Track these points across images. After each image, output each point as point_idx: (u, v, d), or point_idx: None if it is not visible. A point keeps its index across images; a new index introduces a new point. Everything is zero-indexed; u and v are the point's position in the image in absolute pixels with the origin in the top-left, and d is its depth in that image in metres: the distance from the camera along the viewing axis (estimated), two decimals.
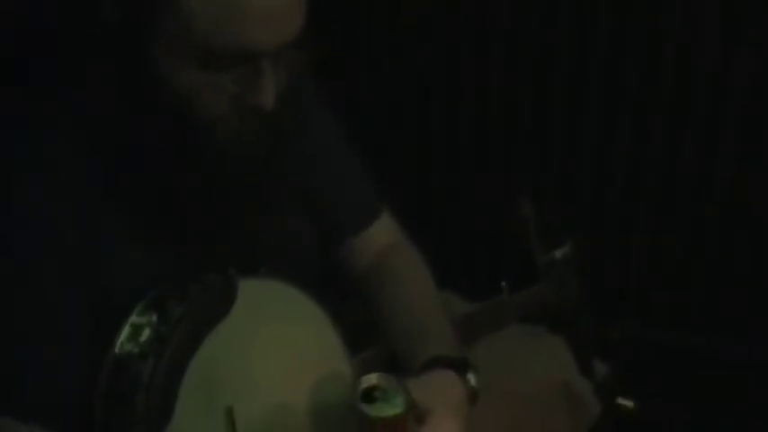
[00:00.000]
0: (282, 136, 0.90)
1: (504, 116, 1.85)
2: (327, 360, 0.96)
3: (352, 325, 0.96)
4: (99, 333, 0.86)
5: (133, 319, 0.88)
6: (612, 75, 1.76)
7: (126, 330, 0.87)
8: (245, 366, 0.89)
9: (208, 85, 0.83)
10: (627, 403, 1.01)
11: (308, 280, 0.97)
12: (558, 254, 0.89)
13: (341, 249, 1.12)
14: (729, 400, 1.70)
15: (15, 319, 0.86)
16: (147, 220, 0.89)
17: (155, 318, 0.89)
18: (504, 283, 0.96)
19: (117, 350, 0.85)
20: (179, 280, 0.91)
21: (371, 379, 0.86)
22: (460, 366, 0.93)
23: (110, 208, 0.87)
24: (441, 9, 1.82)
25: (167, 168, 0.88)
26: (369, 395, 0.85)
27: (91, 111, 0.89)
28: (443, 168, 1.90)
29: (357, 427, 0.85)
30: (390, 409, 0.84)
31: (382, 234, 1.12)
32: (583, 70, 1.77)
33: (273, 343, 0.91)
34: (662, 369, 1.77)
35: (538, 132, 1.84)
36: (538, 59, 1.80)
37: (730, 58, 1.68)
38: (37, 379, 0.85)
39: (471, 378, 0.93)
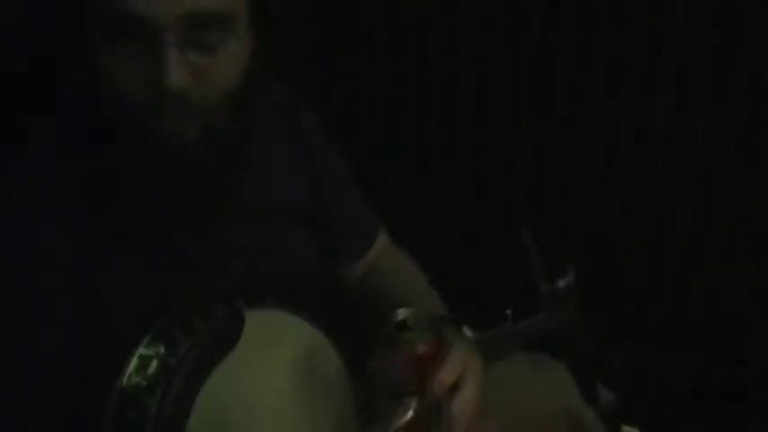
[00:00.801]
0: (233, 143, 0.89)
1: (504, 145, 1.86)
2: (333, 386, 0.96)
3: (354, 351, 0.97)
4: (96, 353, 0.87)
5: (141, 350, 0.89)
6: (612, 102, 1.77)
7: (134, 362, 0.88)
8: (253, 397, 0.89)
9: (113, 59, 0.82)
10: (631, 430, 1.02)
11: (308, 305, 0.98)
12: (562, 283, 0.90)
13: (343, 267, 1.15)
14: (733, 424, 1.70)
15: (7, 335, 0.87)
16: (140, 237, 0.90)
17: (162, 350, 0.89)
18: (509, 312, 0.97)
19: (125, 383, 0.85)
20: (185, 311, 0.91)
21: (404, 312, 0.87)
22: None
23: (104, 225, 0.89)
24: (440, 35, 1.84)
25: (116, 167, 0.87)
26: (401, 327, 0.87)
27: (66, 132, 0.90)
28: (443, 199, 1.91)
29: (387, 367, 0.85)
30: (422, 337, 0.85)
31: (380, 244, 1.18)
32: (580, 105, 1.79)
33: (280, 373, 0.91)
34: (664, 395, 1.78)
35: (536, 160, 1.84)
36: (538, 83, 1.81)
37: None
38: (29, 394, 0.86)
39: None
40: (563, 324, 0.89)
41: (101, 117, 0.86)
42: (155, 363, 0.87)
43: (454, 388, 0.87)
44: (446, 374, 0.86)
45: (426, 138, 1.89)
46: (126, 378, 0.85)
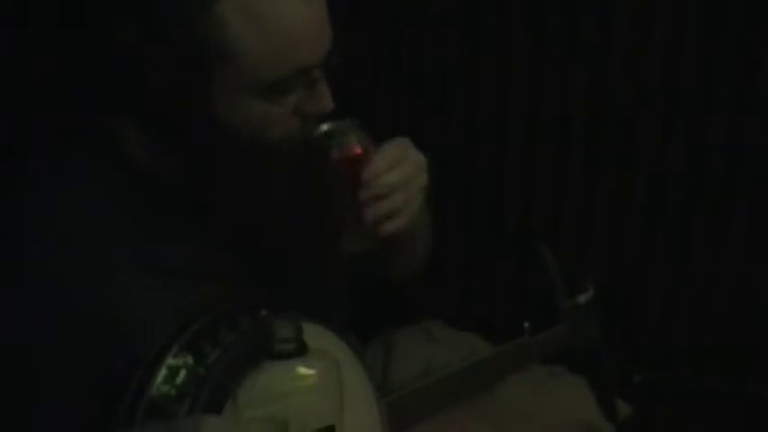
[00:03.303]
0: None
1: (524, 161, 1.86)
2: (360, 402, 0.96)
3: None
4: (124, 363, 0.87)
5: (169, 361, 0.90)
6: (629, 127, 1.76)
7: (162, 373, 0.89)
8: (280, 406, 0.89)
9: (273, 111, 0.87)
10: None
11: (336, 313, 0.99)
12: (582, 299, 0.91)
13: None
14: None
15: (31, 379, 0.87)
16: (167, 260, 0.91)
17: (191, 359, 0.90)
18: (526, 325, 0.98)
19: (153, 392, 0.85)
20: (212, 322, 0.93)
21: (326, 124, 0.90)
22: None
23: (133, 258, 0.90)
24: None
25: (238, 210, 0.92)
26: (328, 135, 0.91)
27: (128, 169, 0.92)
28: (461, 212, 1.91)
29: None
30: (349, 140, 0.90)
31: None
32: (600, 124, 1.79)
33: (306, 382, 0.90)
34: (683, 411, 1.77)
35: (556, 175, 1.84)
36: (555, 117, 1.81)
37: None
38: (56, 402, 0.87)
39: None
40: (583, 339, 0.90)
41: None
42: (183, 372, 0.87)
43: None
44: (378, 164, 0.90)
45: (444, 152, 1.88)
46: (155, 387, 0.85)
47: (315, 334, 0.95)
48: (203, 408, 0.84)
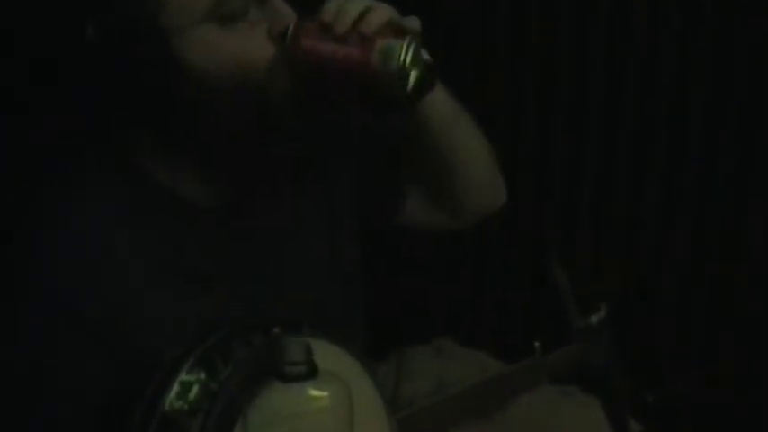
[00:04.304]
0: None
1: (535, 181, 1.87)
2: (370, 415, 0.96)
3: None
4: (136, 379, 0.87)
5: (182, 377, 0.90)
6: (640, 144, 1.77)
7: (175, 388, 0.90)
8: (292, 422, 0.90)
9: (240, 41, 0.85)
10: None
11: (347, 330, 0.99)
12: (595, 319, 0.91)
13: None
14: None
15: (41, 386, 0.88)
16: (177, 269, 0.91)
17: (203, 375, 0.91)
18: (537, 343, 0.98)
19: (166, 407, 0.85)
20: (225, 338, 0.93)
21: None
22: None
23: (138, 262, 0.90)
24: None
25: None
26: None
27: (142, 179, 0.92)
28: (473, 230, 1.90)
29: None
30: None
31: None
32: (611, 142, 1.79)
33: (319, 398, 0.91)
34: (696, 431, 1.77)
35: (569, 196, 1.86)
36: (569, 126, 1.82)
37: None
38: (68, 418, 0.87)
39: None
40: (595, 359, 0.90)
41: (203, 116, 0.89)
42: (196, 388, 0.87)
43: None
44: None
45: None
46: (167, 403, 0.86)
47: (325, 352, 0.95)
48: (215, 423, 0.85)
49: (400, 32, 0.87)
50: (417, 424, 0.98)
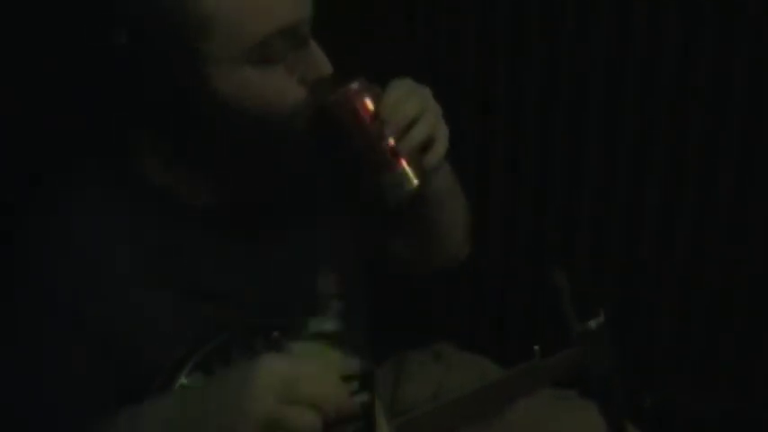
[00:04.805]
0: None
1: (534, 189, 1.87)
2: None
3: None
4: (136, 382, 0.89)
5: (182, 380, 0.91)
6: (640, 144, 1.77)
7: (177, 391, 0.91)
8: None
9: (271, 81, 0.86)
10: None
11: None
12: (593, 323, 0.92)
13: None
14: None
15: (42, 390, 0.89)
16: (181, 279, 0.92)
17: (203, 379, 0.92)
18: (536, 348, 0.98)
19: None
20: (225, 342, 0.94)
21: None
22: None
23: (138, 266, 0.91)
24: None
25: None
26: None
27: (135, 180, 0.93)
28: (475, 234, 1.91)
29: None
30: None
31: None
32: (611, 147, 1.79)
33: None
34: None
35: (568, 200, 1.85)
36: (569, 134, 1.82)
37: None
38: (68, 423, 0.87)
39: None
40: (594, 363, 0.91)
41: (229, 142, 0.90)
42: None
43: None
44: (390, 95, 0.91)
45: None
46: None
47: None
48: None
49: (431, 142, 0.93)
50: (416, 429, 0.98)
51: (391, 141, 0.90)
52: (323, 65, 0.88)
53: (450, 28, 1.81)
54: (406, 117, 0.90)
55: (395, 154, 0.90)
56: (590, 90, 1.76)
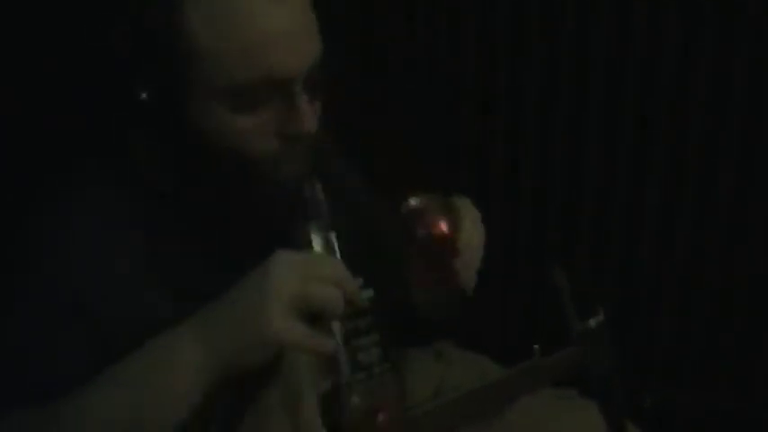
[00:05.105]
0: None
1: (534, 189, 1.87)
2: None
3: None
4: None
5: None
6: (640, 144, 1.77)
7: None
8: None
9: (246, 124, 0.86)
10: None
11: None
12: (593, 322, 0.92)
13: None
14: None
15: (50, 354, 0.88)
16: (186, 281, 0.92)
17: None
18: (536, 347, 0.99)
19: None
20: None
21: (415, 200, 0.95)
22: None
23: (138, 267, 0.91)
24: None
25: (220, 221, 0.92)
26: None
27: (134, 181, 0.93)
28: None
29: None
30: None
31: None
32: (611, 147, 1.79)
33: None
34: None
35: (568, 200, 1.85)
36: (570, 134, 1.82)
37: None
38: None
39: None
40: (593, 363, 0.91)
41: (208, 171, 0.90)
42: None
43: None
44: (469, 235, 0.96)
45: (459, 172, 1.91)
46: None
47: None
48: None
49: None
50: (416, 428, 0.98)
51: (457, 264, 0.96)
52: (305, 123, 0.87)
53: (451, 28, 1.82)
54: (476, 248, 0.97)
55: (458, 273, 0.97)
56: (590, 90, 1.77)
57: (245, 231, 0.93)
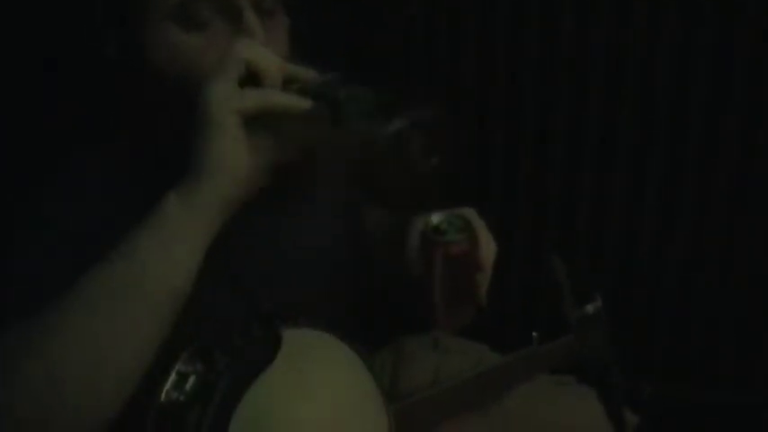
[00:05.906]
0: None
1: (534, 189, 1.88)
2: (367, 406, 0.96)
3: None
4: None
5: (179, 367, 0.90)
6: (640, 144, 1.78)
7: (172, 378, 0.90)
8: (290, 412, 0.90)
9: (197, 45, 0.85)
10: None
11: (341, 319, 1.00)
12: (590, 309, 0.92)
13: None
14: None
15: None
16: None
17: (200, 367, 0.91)
18: (535, 334, 0.99)
19: (162, 398, 0.86)
20: (223, 329, 0.93)
21: (437, 217, 0.96)
22: None
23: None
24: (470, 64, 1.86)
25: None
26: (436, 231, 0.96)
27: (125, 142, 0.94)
28: None
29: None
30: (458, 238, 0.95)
31: None
32: (611, 147, 1.80)
33: (315, 389, 0.92)
34: (693, 423, 1.75)
35: (566, 191, 1.86)
36: (568, 131, 1.82)
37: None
38: None
39: None
40: (591, 350, 0.91)
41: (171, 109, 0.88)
42: (192, 379, 0.88)
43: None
44: (487, 251, 0.96)
45: (458, 162, 1.90)
46: (164, 394, 0.86)
47: (323, 343, 0.96)
48: (213, 413, 0.85)
49: None
50: (414, 416, 0.98)
51: (480, 278, 0.97)
52: (256, 35, 0.84)
53: (450, 28, 1.83)
54: (491, 267, 0.97)
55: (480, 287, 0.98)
56: (590, 90, 1.77)
57: None
